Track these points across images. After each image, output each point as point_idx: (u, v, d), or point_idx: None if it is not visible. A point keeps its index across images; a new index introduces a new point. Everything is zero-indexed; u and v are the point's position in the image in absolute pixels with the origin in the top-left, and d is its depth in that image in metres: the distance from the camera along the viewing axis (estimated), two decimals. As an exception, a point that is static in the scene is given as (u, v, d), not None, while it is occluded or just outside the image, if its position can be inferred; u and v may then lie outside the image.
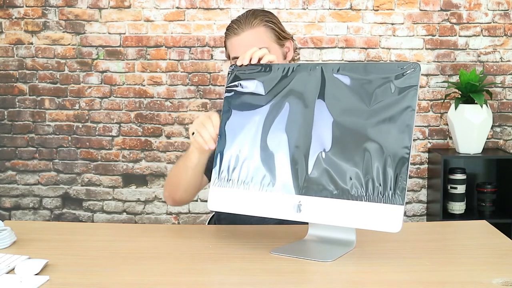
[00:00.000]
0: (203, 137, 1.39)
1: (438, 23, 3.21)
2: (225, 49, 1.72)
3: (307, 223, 1.37)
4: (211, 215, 1.88)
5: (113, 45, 3.28)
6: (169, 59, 3.28)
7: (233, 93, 1.42)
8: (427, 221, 3.26)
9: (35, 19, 3.28)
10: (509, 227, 2.96)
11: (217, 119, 1.40)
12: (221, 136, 1.40)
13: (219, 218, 1.78)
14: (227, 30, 1.69)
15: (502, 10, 3.19)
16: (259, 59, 1.44)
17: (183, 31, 3.26)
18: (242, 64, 1.44)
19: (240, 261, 1.26)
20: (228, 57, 1.71)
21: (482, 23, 3.20)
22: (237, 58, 1.51)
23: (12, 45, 3.31)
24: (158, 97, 3.30)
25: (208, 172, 1.57)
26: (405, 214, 3.31)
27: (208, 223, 1.85)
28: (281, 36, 1.68)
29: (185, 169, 1.54)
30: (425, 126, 3.28)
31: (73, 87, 3.32)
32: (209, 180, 1.59)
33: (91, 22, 3.27)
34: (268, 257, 1.27)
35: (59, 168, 3.36)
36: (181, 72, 3.29)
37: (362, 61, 3.23)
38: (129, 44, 3.28)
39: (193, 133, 1.41)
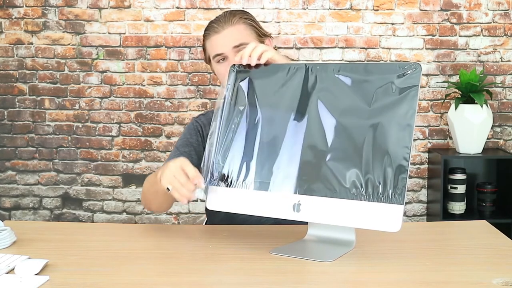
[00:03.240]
0: (182, 194, 1.30)
1: (438, 23, 3.21)
2: (204, 52, 1.71)
3: (306, 223, 1.37)
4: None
5: (113, 45, 3.28)
6: (169, 59, 3.28)
7: (232, 93, 1.42)
8: (427, 221, 3.25)
9: (35, 19, 3.28)
10: (509, 227, 2.96)
11: (192, 170, 1.30)
12: (221, 135, 1.40)
13: (212, 222, 1.73)
14: (206, 30, 1.68)
15: (502, 10, 3.19)
16: (259, 58, 1.44)
17: (183, 31, 3.26)
18: (241, 64, 1.43)
19: (240, 261, 1.26)
20: (208, 60, 1.70)
21: (482, 23, 3.20)
22: (219, 54, 1.61)
23: (12, 45, 3.31)
24: (158, 97, 3.30)
25: None
26: (405, 214, 3.30)
27: (206, 224, 1.84)
28: (261, 33, 1.69)
29: (156, 193, 1.49)
30: (425, 126, 3.28)
31: (73, 87, 3.32)
32: None
33: (91, 22, 3.27)
34: (268, 257, 1.27)
35: (59, 168, 3.36)
36: (181, 72, 3.29)
37: (362, 61, 3.23)
38: (129, 44, 3.28)
39: (168, 189, 1.31)
